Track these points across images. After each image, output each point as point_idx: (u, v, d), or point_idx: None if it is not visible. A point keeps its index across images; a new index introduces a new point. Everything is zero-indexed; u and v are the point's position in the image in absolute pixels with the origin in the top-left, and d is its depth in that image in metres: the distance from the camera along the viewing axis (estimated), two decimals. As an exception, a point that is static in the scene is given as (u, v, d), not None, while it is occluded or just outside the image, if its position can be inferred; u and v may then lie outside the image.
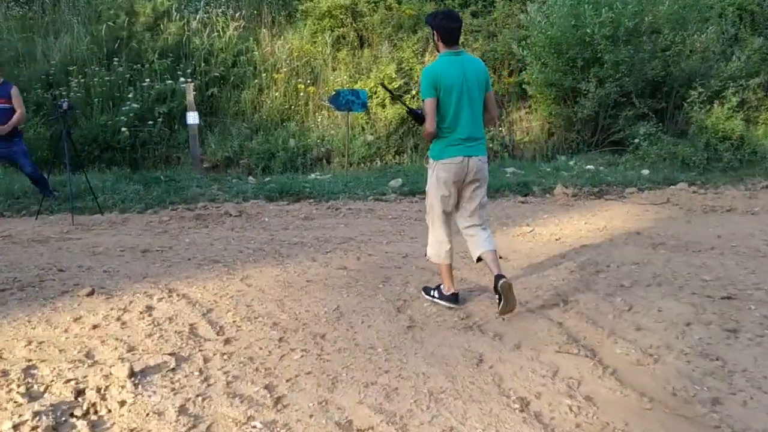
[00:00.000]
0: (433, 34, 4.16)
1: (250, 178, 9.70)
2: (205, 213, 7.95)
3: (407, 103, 5.17)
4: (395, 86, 11.90)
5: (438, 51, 4.20)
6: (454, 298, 4.41)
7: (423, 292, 4.63)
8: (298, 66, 12.39)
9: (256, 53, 12.32)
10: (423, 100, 4.05)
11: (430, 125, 4.02)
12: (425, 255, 4.63)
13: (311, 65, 12.62)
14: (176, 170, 10.76)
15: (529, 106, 12.57)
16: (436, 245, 4.40)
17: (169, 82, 11.37)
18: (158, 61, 11.56)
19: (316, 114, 12.13)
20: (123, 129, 10.77)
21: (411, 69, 12.27)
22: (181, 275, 5.20)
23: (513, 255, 5.96)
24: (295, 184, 9.35)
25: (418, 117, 4.18)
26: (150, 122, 11.11)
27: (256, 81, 12.09)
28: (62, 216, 7.79)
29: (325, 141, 11.75)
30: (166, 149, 11.31)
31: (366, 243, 6.44)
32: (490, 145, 12.02)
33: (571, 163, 10.99)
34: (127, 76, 11.45)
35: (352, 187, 9.35)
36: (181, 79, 11.32)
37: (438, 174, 4.20)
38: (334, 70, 12.62)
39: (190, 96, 9.85)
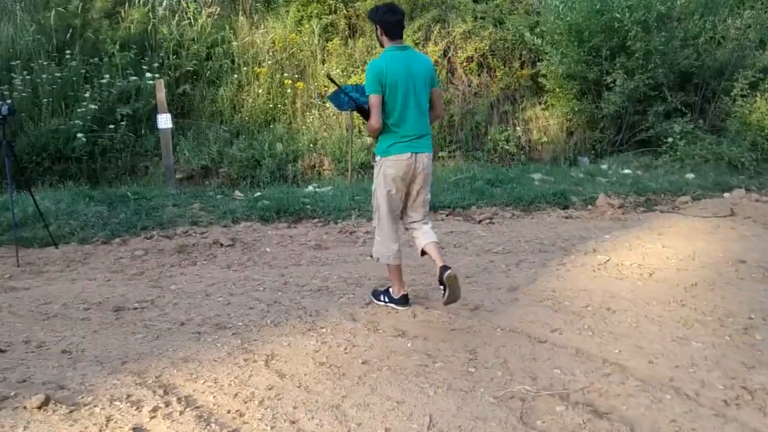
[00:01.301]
0: (377, 28, 4.11)
1: (237, 192, 8.07)
2: (188, 243, 6.32)
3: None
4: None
5: (382, 46, 4.13)
6: (404, 300, 4.36)
7: (372, 297, 4.53)
8: (282, 58, 10.74)
9: (234, 44, 10.62)
10: (368, 96, 4.00)
11: (375, 120, 3.98)
12: (372, 256, 4.46)
13: (297, 58, 10.99)
14: (145, 184, 9.07)
15: (545, 102, 11.16)
16: (384, 246, 4.26)
17: (133, 78, 9.63)
18: (119, 53, 9.81)
19: (306, 114, 10.52)
20: (79, 135, 9.02)
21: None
22: (176, 356, 3.61)
23: (614, 302, 4.50)
24: (293, 199, 7.77)
25: (364, 112, 4.12)
26: (111, 126, 9.38)
27: (235, 76, 10.43)
28: (5, 251, 6.09)
29: (317, 145, 10.16)
30: (130, 158, 9.59)
31: (411, 286, 4.91)
32: (506, 147, 10.62)
33: (604, 167, 9.62)
34: (83, 71, 9.67)
35: (361, 202, 7.81)
36: (148, 75, 9.61)
37: (385, 171, 4.10)
38: (323, 62, 11.01)
39: (161, 94, 8.16)
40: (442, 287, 3.99)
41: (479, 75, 11.37)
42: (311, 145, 10.07)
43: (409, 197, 4.22)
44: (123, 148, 9.52)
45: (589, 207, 8.09)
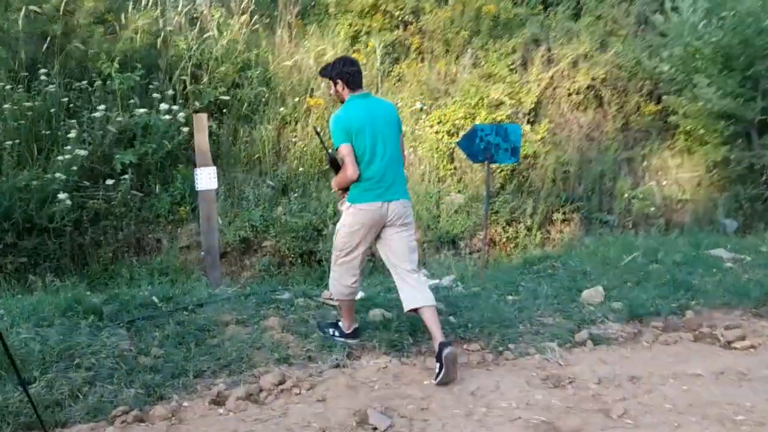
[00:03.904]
0: (335, 84, 3.96)
1: (325, 293, 5.09)
2: (304, 422, 3.35)
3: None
4: (506, 115, 7.69)
5: (343, 100, 3.98)
6: (356, 334, 4.27)
7: (318, 329, 4.37)
8: (337, 86, 7.86)
9: (278, 65, 7.74)
10: (337, 148, 3.88)
11: (352, 172, 3.83)
12: (325, 294, 4.52)
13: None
14: (164, 269, 6.08)
15: (676, 146, 8.59)
16: (338, 284, 4.15)
17: (141, 111, 6.62)
18: (119, 75, 6.78)
19: (376, 161, 7.63)
20: (60, 195, 5.95)
21: (513, 92, 8.05)
22: None
23: None
24: (419, 305, 4.86)
25: (335, 163, 4.00)
26: (108, 181, 6.35)
27: (282, 109, 7.50)
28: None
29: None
30: (135, 227, 6.55)
31: None
32: (644, 207, 7.97)
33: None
34: (65, 100, 6.63)
35: (525, 307, 5.00)
36: (163, 106, 6.62)
37: (354, 218, 3.96)
38: (391, 92, 8.23)
39: (202, 137, 5.21)
40: (437, 365, 3.80)
41: (585, 111, 8.75)
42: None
43: (385, 242, 4.03)
44: (125, 213, 6.48)
45: None
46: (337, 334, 4.28)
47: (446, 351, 3.75)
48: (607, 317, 4.96)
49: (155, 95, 6.85)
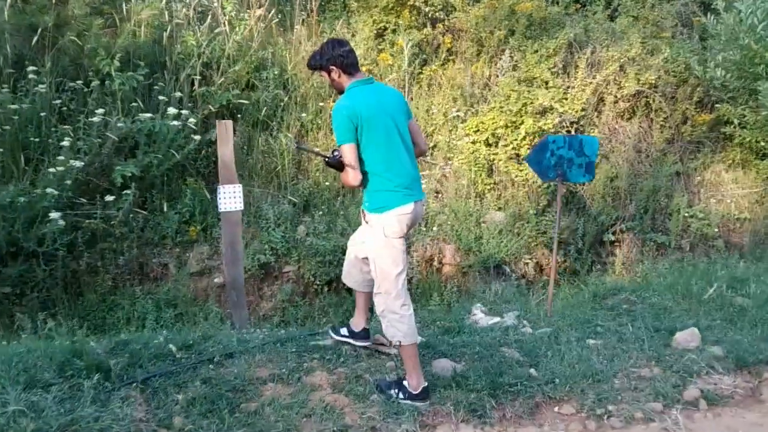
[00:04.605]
0: (330, 72, 3.36)
1: (379, 337, 4.22)
2: None
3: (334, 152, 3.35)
4: (552, 123, 6.89)
5: (342, 89, 3.37)
6: (425, 394, 3.48)
7: (377, 391, 3.54)
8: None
9: (292, 67, 6.89)
10: (339, 146, 3.28)
11: (355, 179, 3.27)
12: (391, 344, 3.59)
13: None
14: (170, 299, 5.21)
15: (731, 160, 7.84)
16: (403, 325, 3.41)
17: (144, 115, 5.73)
18: (119, 74, 5.88)
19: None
20: (52, 214, 5.05)
21: (561, 98, 7.26)
22: None
23: None
24: (498, 357, 4.07)
25: (338, 165, 3.32)
26: (107, 197, 5.46)
27: (303, 114, 6.65)
28: None
29: (433, 225, 6.51)
30: (138, 250, 5.66)
31: None
32: (703, 227, 7.20)
33: None
34: (57, 103, 5.72)
35: (615, 355, 4.19)
36: (171, 110, 5.74)
37: (387, 230, 3.35)
38: (421, 96, 7.41)
39: (227, 149, 4.35)
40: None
41: (630, 120, 7.98)
42: (422, 227, 6.39)
43: None
44: (126, 234, 5.59)
45: None
46: (401, 395, 3.51)
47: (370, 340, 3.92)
48: (713, 367, 4.16)
49: (161, 98, 5.96)
